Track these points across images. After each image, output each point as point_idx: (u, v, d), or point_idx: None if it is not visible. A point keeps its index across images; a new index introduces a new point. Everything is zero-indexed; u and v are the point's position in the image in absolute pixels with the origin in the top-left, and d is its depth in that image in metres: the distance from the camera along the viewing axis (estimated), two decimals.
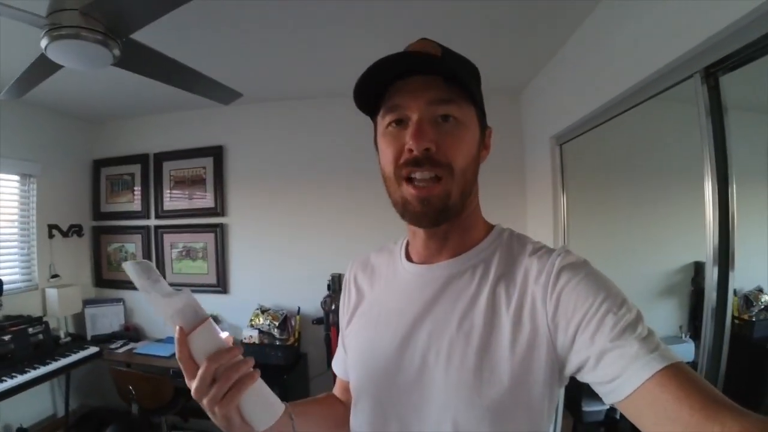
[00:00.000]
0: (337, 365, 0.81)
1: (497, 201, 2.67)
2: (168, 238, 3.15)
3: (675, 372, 0.42)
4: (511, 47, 2.05)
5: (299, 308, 2.80)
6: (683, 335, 1.77)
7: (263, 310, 2.72)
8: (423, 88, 0.55)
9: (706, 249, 1.20)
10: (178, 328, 0.53)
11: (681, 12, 1.18)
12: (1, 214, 2.64)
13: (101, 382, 2.87)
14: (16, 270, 2.69)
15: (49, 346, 2.53)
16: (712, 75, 1.15)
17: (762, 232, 1.52)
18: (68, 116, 3.05)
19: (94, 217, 3.29)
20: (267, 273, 2.98)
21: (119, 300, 3.17)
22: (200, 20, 1.69)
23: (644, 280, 1.92)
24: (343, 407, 0.78)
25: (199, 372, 0.51)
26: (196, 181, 3.09)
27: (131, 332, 3.07)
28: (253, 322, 2.66)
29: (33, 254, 2.78)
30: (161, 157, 3.14)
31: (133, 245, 3.22)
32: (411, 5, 1.65)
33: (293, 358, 2.66)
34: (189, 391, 0.54)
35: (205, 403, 0.52)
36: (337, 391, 0.83)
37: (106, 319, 3.07)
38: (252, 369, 0.55)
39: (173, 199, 3.14)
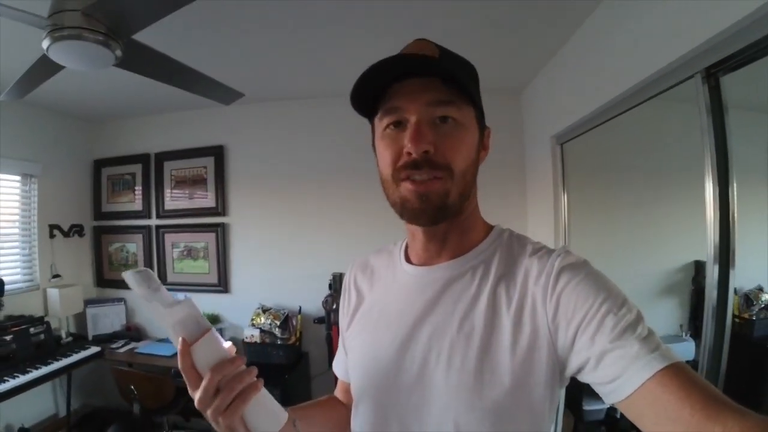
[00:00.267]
0: (338, 367, 0.82)
1: (498, 200, 2.68)
2: (169, 238, 3.15)
3: (675, 372, 0.42)
4: (512, 47, 2.05)
5: (300, 307, 2.81)
6: (684, 334, 1.77)
7: (264, 310, 2.72)
8: (421, 89, 0.55)
9: (706, 248, 1.20)
10: (180, 339, 0.52)
11: (682, 12, 1.18)
12: (3, 214, 2.65)
13: (103, 381, 2.88)
14: (18, 270, 2.69)
15: (50, 346, 2.53)
16: (713, 75, 1.15)
17: (762, 231, 1.52)
18: (69, 116, 3.05)
19: (95, 216, 3.29)
20: (268, 272, 2.98)
21: (120, 300, 3.18)
22: (201, 21, 1.70)
23: (645, 279, 1.92)
24: (345, 409, 0.79)
25: (203, 383, 0.51)
26: (197, 181, 3.09)
27: (132, 332, 3.07)
28: (254, 322, 2.67)
29: (34, 254, 2.79)
30: (162, 157, 3.15)
31: (134, 245, 3.22)
32: (411, 5, 1.65)
33: (295, 357, 2.66)
34: None
35: (209, 413, 0.51)
36: (338, 392, 0.83)
37: (107, 319, 3.07)
38: (256, 379, 0.54)
39: (174, 199, 3.15)
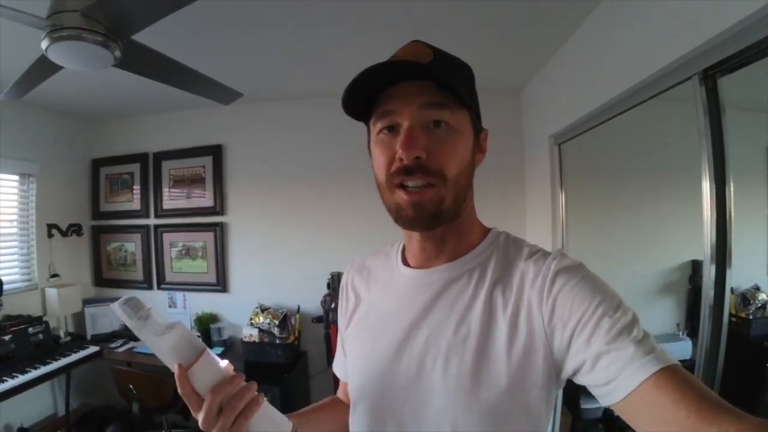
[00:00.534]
0: (337, 368, 0.82)
1: (497, 200, 2.69)
2: (167, 237, 3.15)
3: (671, 374, 0.43)
4: (511, 47, 2.05)
5: (299, 306, 2.81)
6: (680, 333, 1.78)
7: (263, 309, 2.72)
8: (414, 93, 0.55)
9: (703, 247, 1.21)
10: (177, 365, 0.52)
11: (680, 14, 1.18)
12: (1, 213, 2.64)
13: (102, 381, 2.88)
14: (16, 270, 2.69)
15: (49, 346, 2.53)
16: (710, 77, 1.16)
17: (759, 231, 1.53)
18: (67, 115, 3.04)
19: (94, 216, 3.29)
20: (267, 272, 2.98)
21: (119, 299, 3.17)
22: (200, 21, 1.69)
23: (642, 278, 1.93)
24: (346, 409, 0.79)
25: (205, 405, 0.51)
26: (196, 180, 3.09)
27: (131, 331, 3.06)
28: (253, 321, 2.67)
29: (32, 254, 2.78)
30: (160, 156, 3.14)
31: (132, 244, 3.22)
32: (411, 5, 1.65)
33: (293, 356, 2.66)
34: None
35: None
36: (341, 393, 0.84)
37: (106, 319, 3.07)
38: (256, 393, 0.55)
39: (173, 198, 3.14)
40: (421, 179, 0.54)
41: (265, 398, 0.57)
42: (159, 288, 3.15)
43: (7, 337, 2.31)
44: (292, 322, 2.70)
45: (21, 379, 2.18)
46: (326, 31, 1.86)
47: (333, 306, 2.60)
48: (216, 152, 3.03)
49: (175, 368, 0.52)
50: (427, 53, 0.57)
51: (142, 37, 1.22)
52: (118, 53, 1.18)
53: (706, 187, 1.19)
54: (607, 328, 0.47)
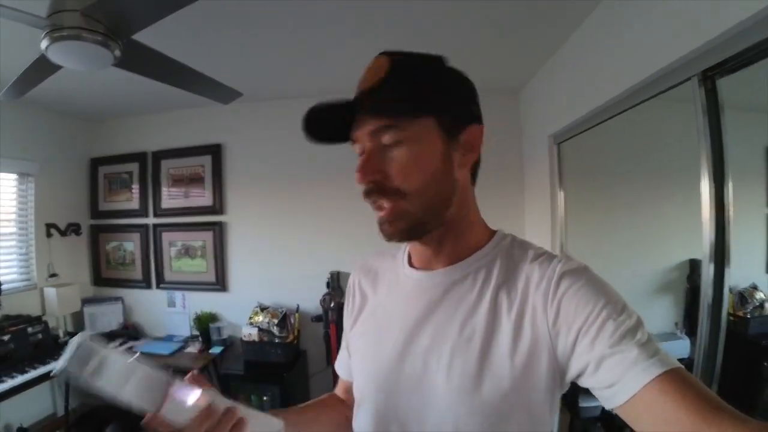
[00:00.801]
0: (339, 366, 0.83)
1: (496, 200, 2.69)
2: (167, 237, 3.15)
3: (674, 377, 0.43)
4: (511, 46, 2.06)
5: (298, 306, 2.81)
6: (679, 332, 1.79)
7: (263, 308, 2.73)
8: (365, 119, 0.56)
9: (702, 247, 1.21)
10: (147, 415, 0.51)
11: (680, 15, 1.19)
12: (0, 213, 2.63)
13: None
14: (15, 269, 2.68)
15: (48, 346, 2.53)
16: (709, 78, 1.16)
17: (756, 230, 1.54)
18: (66, 115, 3.03)
19: (92, 215, 3.28)
20: (266, 271, 2.98)
21: (118, 298, 3.18)
22: (200, 20, 1.69)
23: (641, 277, 1.94)
24: (344, 408, 0.80)
25: None
26: (195, 180, 3.09)
27: (130, 330, 3.07)
28: (252, 320, 2.67)
29: (31, 253, 2.77)
30: (159, 156, 3.14)
31: (131, 243, 3.22)
32: (410, 5, 1.65)
33: (293, 355, 2.67)
34: None
35: None
36: (339, 391, 0.84)
37: (105, 318, 3.07)
38: (239, 417, 0.54)
39: (172, 198, 3.14)
40: (378, 199, 0.57)
41: (251, 411, 0.56)
42: (158, 287, 3.15)
43: (6, 337, 2.30)
44: (292, 321, 2.70)
45: (20, 378, 2.18)
46: (326, 31, 1.86)
47: (332, 305, 2.60)
48: (215, 151, 3.03)
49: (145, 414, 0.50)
50: (383, 70, 0.56)
51: (142, 36, 1.22)
52: (118, 53, 1.18)
53: (706, 186, 1.19)
54: (611, 331, 0.47)
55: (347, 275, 2.96)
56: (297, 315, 2.76)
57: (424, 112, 0.55)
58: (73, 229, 3.09)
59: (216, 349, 2.77)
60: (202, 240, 3.08)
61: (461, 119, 0.58)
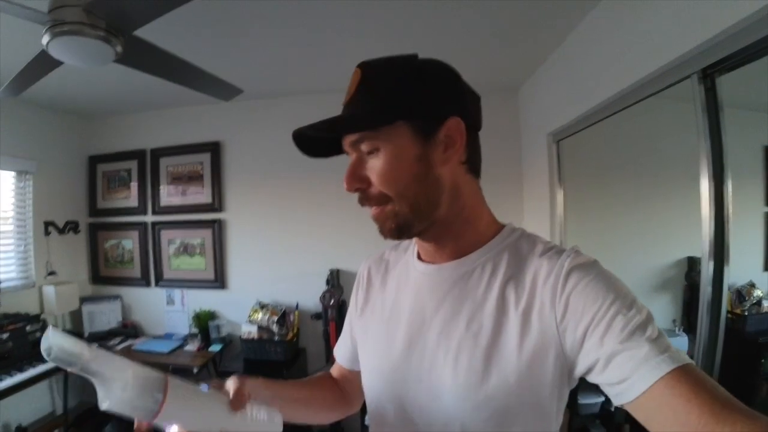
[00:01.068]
0: (338, 352, 0.83)
1: (494, 198, 2.67)
2: (165, 234, 3.14)
3: (685, 374, 0.42)
4: (510, 45, 2.06)
5: (298, 303, 2.81)
6: (677, 329, 1.81)
7: (262, 306, 2.73)
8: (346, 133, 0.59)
9: (701, 245, 1.22)
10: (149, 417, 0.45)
11: (680, 14, 1.19)
12: None
13: None
14: (13, 268, 2.67)
15: None
16: (709, 76, 1.17)
17: (754, 228, 1.55)
18: (64, 113, 3.02)
19: (91, 213, 3.26)
20: (265, 268, 2.98)
21: (117, 297, 3.17)
22: (200, 17, 1.68)
23: (639, 274, 1.95)
24: (335, 389, 0.81)
25: None
26: (194, 177, 3.08)
27: (129, 329, 3.06)
28: (251, 318, 2.67)
29: (30, 251, 2.76)
30: (158, 153, 3.13)
31: (130, 241, 3.21)
32: (410, 4, 1.64)
33: (292, 353, 2.67)
34: None
35: None
36: (334, 371, 0.85)
37: (103, 316, 3.06)
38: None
39: (170, 195, 3.13)
40: (368, 204, 0.60)
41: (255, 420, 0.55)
42: (157, 285, 3.14)
43: (4, 336, 2.30)
44: (291, 319, 2.70)
45: (19, 377, 2.17)
46: (326, 29, 1.86)
47: (332, 302, 2.60)
48: (214, 149, 3.02)
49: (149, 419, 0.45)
50: (355, 83, 0.57)
51: (143, 33, 1.22)
52: (119, 49, 1.18)
53: (705, 184, 1.20)
54: (621, 327, 0.47)
55: (347, 273, 2.98)
56: (296, 313, 2.76)
57: (393, 118, 0.55)
58: (72, 227, 3.08)
59: (215, 347, 2.77)
60: (201, 238, 3.07)
61: (436, 116, 0.57)
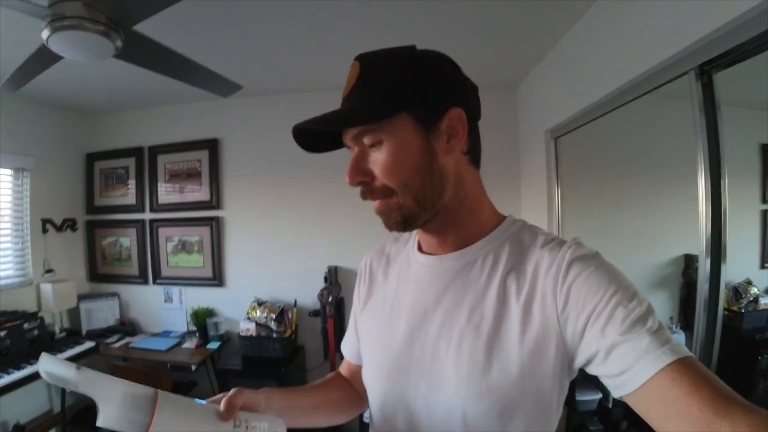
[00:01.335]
0: (345, 347, 0.83)
1: (492, 195, 2.69)
2: (163, 232, 3.13)
3: (685, 366, 0.43)
4: (509, 42, 2.06)
5: (296, 301, 2.81)
6: (674, 326, 1.81)
7: (260, 303, 2.73)
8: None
9: (698, 242, 1.22)
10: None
11: (677, 10, 1.20)
12: None
13: None
14: (10, 265, 2.66)
15: (44, 342, 2.51)
16: (706, 72, 1.18)
17: (751, 226, 1.56)
18: (62, 109, 3.01)
19: (88, 211, 3.26)
20: (263, 266, 2.98)
21: (114, 294, 3.16)
22: (199, 12, 1.68)
23: (636, 272, 1.95)
24: (349, 388, 0.81)
25: None
26: (192, 174, 3.07)
27: (127, 326, 3.06)
28: (250, 315, 2.67)
29: (27, 249, 2.75)
30: (156, 150, 3.12)
31: (127, 239, 3.20)
32: (409, 2, 1.65)
33: (290, 350, 2.67)
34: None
35: None
36: (343, 369, 0.85)
37: (101, 314, 3.06)
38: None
39: (168, 193, 3.12)
40: (372, 198, 0.59)
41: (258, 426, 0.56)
42: (155, 283, 3.14)
43: (2, 334, 2.28)
44: (289, 316, 2.70)
45: (16, 375, 2.16)
46: (325, 26, 1.86)
47: (330, 300, 2.61)
48: (212, 146, 3.02)
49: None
50: (354, 77, 0.57)
51: (142, 28, 1.22)
52: (119, 43, 1.18)
53: (702, 182, 1.21)
54: (622, 319, 0.47)
55: (345, 270, 2.98)
56: (294, 310, 2.76)
57: (395, 110, 0.55)
58: (69, 224, 3.07)
59: (213, 345, 2.77)
60: (199, 235, 3.07)
61: (438, 107, 0.57)
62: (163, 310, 3.10)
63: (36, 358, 2.32)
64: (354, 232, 2.79)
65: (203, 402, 0.53)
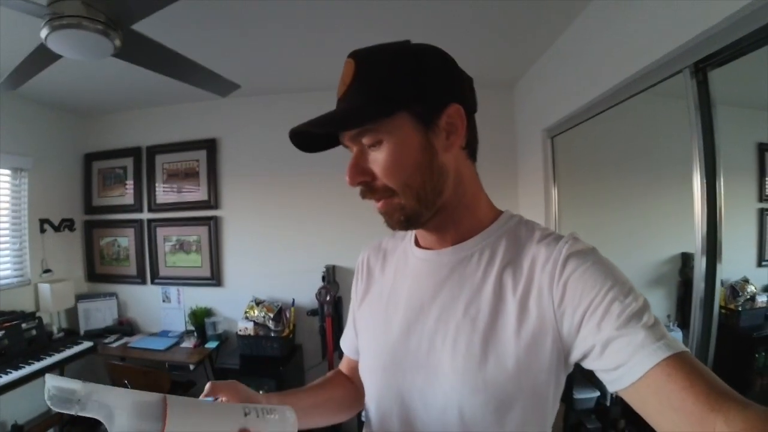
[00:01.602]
0: (344, 344, 0.83)
1: (489, 193, 2.70)
2: (161, 232, 3.13)
3: (681, 361, 0.43)
4: (505, 41, 2.07)
5: (294, 300, 2.81)
6: (671, 324, 1.82)
7: (258, 302, 2.73)
8: None
9: (694, 241, 1.23)
10: None
11: (672, 8, 1.21)
12: None
13: (96, 376, 2.87)
14: (8, 265, 2.65)
15: (43, 342, 2.51)
16: (701, 70, 1.19)
17: (747, 225, 1.57)
18: (60, 110, 3.00)
19: (86, 211, 3.25)
20: (261, 265, 2.98)
21: (112, 294, 3.15)
22: (198, 12, 1.68)
23: (633, 270, 1.96)
24: (350, 385, 0.81)
25: None
26: (190, 174, 3.07)
27: (125, 326, 3.05)
28: (248, 314, 2.67)
29: (25, 249, 2.75)
30: (154, 150, 3.12)
31: (125, 239, 3.20)
32: (408, 2, 1.66)
33: (288, 349, 2.67)
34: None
35: None
36: (343, 366, 0.85)
37: (99, 314, 3.05)
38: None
39: (166, 193, 3.12)
40: (373, 198, 0.59)
41: (265, 418, 0.53)
42: (153, 283, 3.14)
43: (0, 333, 2.28)
44: (287, 315, 2.71)
45: (14, 375, 2.15)
46: (324, 26, 1.86)
47: (328, 299, 2.61)
48: (210, 146, 3.02)
49: None
50: (349, 76, 0.56)
51: (140, 27, 1.22)
52: (117, 42, 1.18)
53: (698, 181, 1.22)
54: (618, 313, 0.47)
55: (343, 269, 2.98)
56: (292, 309, 2.76)
57: (394, 109, 0.54)
58: (67, 224, 3.07)
59: (211, 344, 2.77)
60: (197, 235, 3.07)
61: (436, 104, 0.56)
62: (161, 310, 3.09)
63: (33, 358, 2.33)
64: (352, 231, 2.79)
65: (210, 399, 0.54)
